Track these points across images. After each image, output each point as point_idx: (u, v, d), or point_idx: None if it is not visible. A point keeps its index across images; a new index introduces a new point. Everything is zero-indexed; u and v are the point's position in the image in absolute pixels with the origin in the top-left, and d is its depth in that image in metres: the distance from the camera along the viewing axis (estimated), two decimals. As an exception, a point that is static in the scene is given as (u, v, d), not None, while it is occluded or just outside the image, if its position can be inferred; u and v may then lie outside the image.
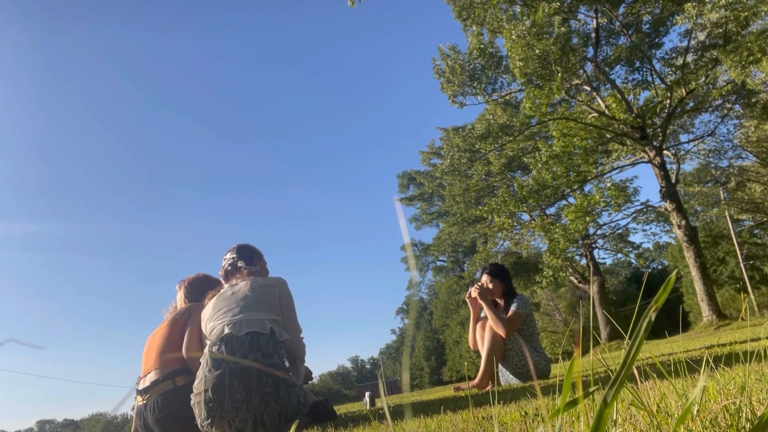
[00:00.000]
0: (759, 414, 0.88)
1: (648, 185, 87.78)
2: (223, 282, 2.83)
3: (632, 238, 28.34)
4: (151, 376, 2.68)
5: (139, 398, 2.71)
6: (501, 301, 4.10)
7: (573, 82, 19.68)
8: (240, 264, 2.78)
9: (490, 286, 4.08)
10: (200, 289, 3.01)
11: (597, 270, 25.64)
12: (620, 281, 46.97)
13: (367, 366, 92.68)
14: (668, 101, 18.32)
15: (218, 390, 2.27)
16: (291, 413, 2.32)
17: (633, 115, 18.28)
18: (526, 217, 24.08)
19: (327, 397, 2.73)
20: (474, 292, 4.04)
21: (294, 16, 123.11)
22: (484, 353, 3.91)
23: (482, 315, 4.20)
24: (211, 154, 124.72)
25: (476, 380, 3.90)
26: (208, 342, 2.47)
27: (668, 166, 18.72)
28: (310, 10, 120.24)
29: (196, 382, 2.37)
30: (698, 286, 17.44)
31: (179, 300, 3.07)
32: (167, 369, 2.68)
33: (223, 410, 2.25)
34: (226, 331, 2.40)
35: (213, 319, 2.52)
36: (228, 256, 2.83)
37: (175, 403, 2.59)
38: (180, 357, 2.70)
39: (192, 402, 2.36)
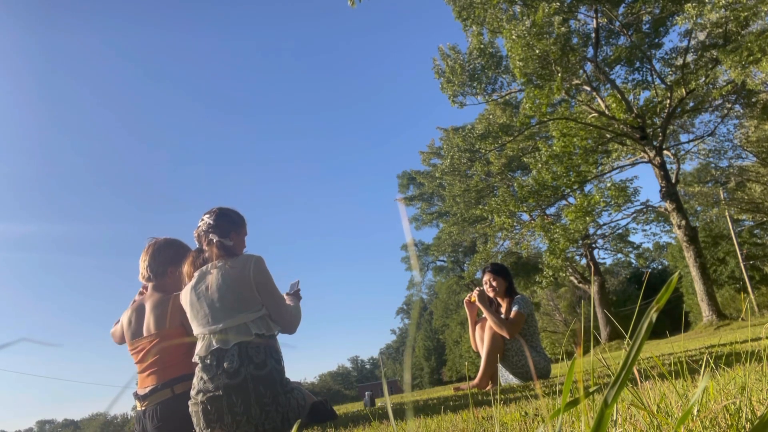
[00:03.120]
0: (759, 414, 0.88)
1: (648, 185, 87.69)
2: (195, 243, 2.65)
3: (632, 238, 28.33)
4: (150, 384, 2.68)
5: (138, 404, 2.71)
6: (503, 301, 4.09)
7: (573, 82, 19.68)
8: (212, 236, 2.54)
9: (494, 284, 4.06)
10: (165, 260, 2.87)
11: (597, 270, 25.65)
12: (620, 281, 46.94)
13: (367, 366, 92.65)
14: (668, 101, 18.32)
15: (216, 404, 2.25)
16: (292, 417, 2.32)
17: (633, 115, 18.29)
18: (526, 217, 24.07)
19: (326, 398, 2.74)
20: (474, 296, 4.03)
21: (293, 15, 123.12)
22: (483, 353, 3.91)
23: (482, 316, 4.20)
24: (211, 152, 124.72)
25: (476, 380, 3.90)
26: (197, 350, 2.40)
27: (668, 166, 18.72)
28: (308, 9, 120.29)
29: (192, 392, 2.35)
30: (698, 286, 17.43)
31: (141, 267, 2.92)
32: (165, 377, 2.67)
33: (223, 423, 2.24)
34: (215, 345, 2.33)
35: (195, 322, 2.44)
36: (205, 218, 2.59)
37: (173, 411, 2.59)
38: (179, 365, 2.69)
39: (190, 409, 2.35)
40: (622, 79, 19.77)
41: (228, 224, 2.60)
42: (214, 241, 2.54)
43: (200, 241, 2.61)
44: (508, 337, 3.82)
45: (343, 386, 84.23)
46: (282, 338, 2.55)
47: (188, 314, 2.49)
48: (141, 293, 3.02)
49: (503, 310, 4.07)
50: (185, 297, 2.51)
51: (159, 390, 2.64)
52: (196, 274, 2.52)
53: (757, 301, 28.08)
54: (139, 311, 2.87)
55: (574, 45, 17.81)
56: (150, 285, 2.91)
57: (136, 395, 2.74)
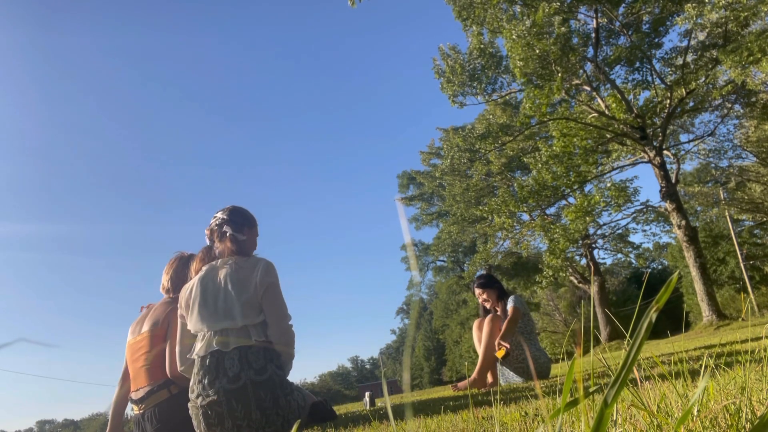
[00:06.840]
0: (759, 414, 0.88)
1: (648, 185, 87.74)
2: (207, 241, 2.63)
3: (632, 238, 28.32)
4: (144, 387, 2.67)
5: (135, 407, 2.69)
6: (497, 305, 4.15)
7: (573, 82, 19.68)
8: (226, 228, 2.53)
9: (484, 296, 4.14)
10: (186, 275, 2.85)
11: (597, 270, 25.65)
12: (620, 281, 46.93)
13: (367, 366, 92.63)
14: (668, 101, 18.32)
15: (216, 409, 2.22)
16: (292, 419, 2.31)
17: (633, 115, 18.29)
18: (526, 217, 24.07)
19: (326, 398, 2.74)
20: (499, 353, 3.91)
21: (293, 15, 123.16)
22: (481, 349, 3.92)
23: (482, 315, 4.22)
24: (211, 151, 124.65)
25: (474, 375, 3.88)
26: (196, 349, 2.34)
27: (668, 166, 18.72)
28: (309, 8, 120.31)
29: (192, 395, 2.30)
30: (698, 286, 17.43)
31: (164, 279, 2.93)
32: (158, 377, 2.66)
33: (224, 427, 2.22)
34: (215, 346, 2.28)
35: (194, 316, 2.38)
36: (218, 215, 2.60)
37: (172, 411, 2.58)
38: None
39: (190, 411, 2.33)
40: (622, 79, 19.77)
41: (242, 219, 2.60)
42: (228, 234, 2.53)
43: (212, 237, 2.60)
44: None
45: (343, 386, 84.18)
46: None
47: (186, 303, 2.42)
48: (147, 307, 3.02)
49: (499, 312, 4.12)
50: (189, 286, 2.47)
51: (156, 392, 2.63)
52: (204, 268, 2.49)
53: (757, 301, 28.10)
54: (143, 316, 2.90)
55: (574, 45, 17.80)
56: (167, 296, 2.94)
57: (131, 400, 2.73)
